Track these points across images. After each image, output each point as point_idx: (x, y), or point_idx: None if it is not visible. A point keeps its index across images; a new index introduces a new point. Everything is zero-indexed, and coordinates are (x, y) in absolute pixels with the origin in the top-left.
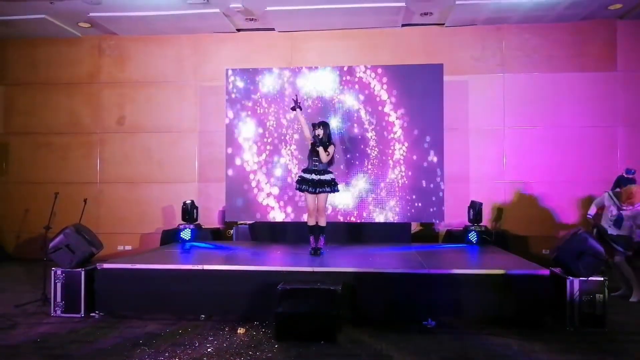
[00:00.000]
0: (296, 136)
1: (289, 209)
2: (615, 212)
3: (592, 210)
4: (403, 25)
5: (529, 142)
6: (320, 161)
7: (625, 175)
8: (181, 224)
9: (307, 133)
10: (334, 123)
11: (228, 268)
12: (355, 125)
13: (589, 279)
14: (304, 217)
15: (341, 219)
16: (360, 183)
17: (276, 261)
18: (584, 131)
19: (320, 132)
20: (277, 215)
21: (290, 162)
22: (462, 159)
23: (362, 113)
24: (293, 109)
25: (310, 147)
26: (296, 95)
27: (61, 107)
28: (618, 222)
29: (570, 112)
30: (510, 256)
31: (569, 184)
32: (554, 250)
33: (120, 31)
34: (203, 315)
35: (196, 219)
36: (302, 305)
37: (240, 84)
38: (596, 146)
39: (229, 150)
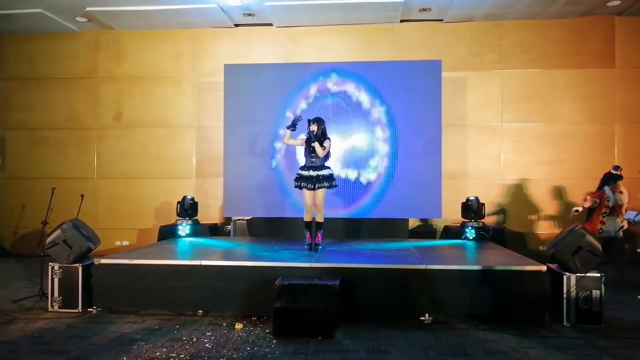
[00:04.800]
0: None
1: (288, 205)
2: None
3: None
4: (401, 21)
5: (527, 138)
6: (317, 157)
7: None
8: (179, 220)
9: (297, 143)
10: (332, 118)
11: (226, 264)
12: (353, 121)
13: (586, 275)
14: (302, 213)
15: (338, 214)
16: (358, 179)
17: (274, 257)
18: (582, 128)
19: (314, 127)
20: (275, 211)
21: (288, 158)
22: (460, 155)
23: (361, 109)
24: (291, 127)
25: (305, 144)
26: (300, 116)
27: (58, 102)
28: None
29: (568, 108)
30: (507, 252)
31: (566, 181)
32: (551, 246)
33: (118, 26)
34: (201, 311)
35: (194, 215)
36: (300, 301)
37: (238, 79)
38: (594, 143)
39: (227, 146)
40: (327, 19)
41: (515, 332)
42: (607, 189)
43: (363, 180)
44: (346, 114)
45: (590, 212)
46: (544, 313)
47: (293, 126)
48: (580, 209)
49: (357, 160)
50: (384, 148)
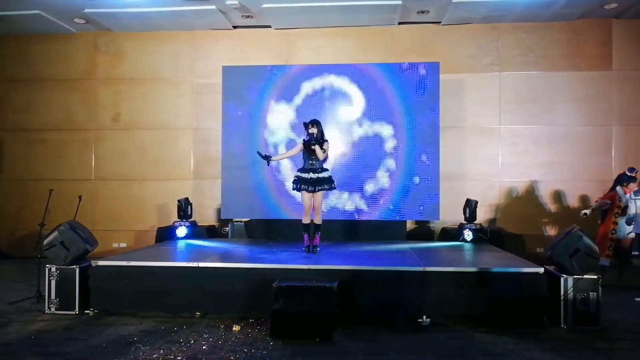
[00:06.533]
0: (292, 135)
1: (285, 206)
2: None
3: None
4: (400, 24)
5: (525, 140)
6: (316, 159)
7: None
8: (176, 222)
9: (295, 152)
10: (330, 121)
11: (223, 265)
12: (352, 123)
13: (583, 276)
14: (300, 215)
15: (337, 216)
16: (356, 181)
17: (272, 259)
18: (579, 130)
19: (314, 130)
20: (273, 213)
21: (285, 160)
22: (458, 157)
23: (358, 111)
24: (268, 163)
25: (304, 147)
26: (257, 152)
27: (56, 103)
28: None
29: (566, 111)
30: (505, 254)
31: (564, 183)
32: (549, 248)
33: (116, 27)
34: (198, 313)
35: (191, 217)
36: (298, 303)
37: (236, 81)
38: (591, 145)
39: (225, 147)
40: (325, 21)
41: (513, 334)
42: (619, 189)
43: (361, 182)
44: (344, 116)
45: (604, 213)
46: (542, 315)
47: (268, 159)
48: (588, 212)
49: (355, 163)
50: (381, 150)
